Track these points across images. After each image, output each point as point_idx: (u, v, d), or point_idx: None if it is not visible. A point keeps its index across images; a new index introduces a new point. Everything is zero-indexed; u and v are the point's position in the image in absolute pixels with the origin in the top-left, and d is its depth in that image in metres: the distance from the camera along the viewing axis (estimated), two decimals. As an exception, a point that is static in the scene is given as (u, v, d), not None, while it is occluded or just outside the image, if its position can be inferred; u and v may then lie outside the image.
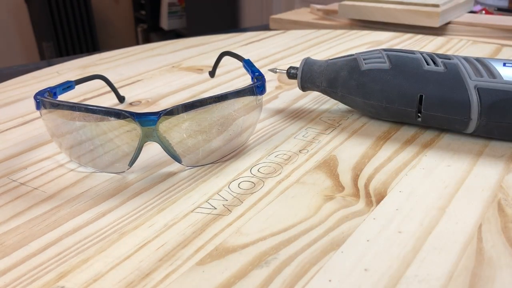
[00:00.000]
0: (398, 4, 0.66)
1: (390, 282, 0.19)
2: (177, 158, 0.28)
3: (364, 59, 0.32)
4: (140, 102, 0.40)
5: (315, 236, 0.22)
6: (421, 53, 0.32)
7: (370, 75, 0.31)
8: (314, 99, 0.39)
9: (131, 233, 0.23)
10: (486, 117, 0.28)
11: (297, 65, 0.49)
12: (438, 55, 0.31)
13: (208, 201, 0.25)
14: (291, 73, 0.35)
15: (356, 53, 0.34)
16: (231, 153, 0.30)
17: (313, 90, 0.35)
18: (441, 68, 0.30)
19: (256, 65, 0.49)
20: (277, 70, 0.36)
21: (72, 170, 0.29)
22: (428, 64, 0.30)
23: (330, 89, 0.34)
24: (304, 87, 0.35)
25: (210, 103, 0.27)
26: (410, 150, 0.30)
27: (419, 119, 0.30)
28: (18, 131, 0.35)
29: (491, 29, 0.60)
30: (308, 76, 0.34)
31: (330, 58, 0.35)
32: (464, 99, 0.28)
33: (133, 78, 0.47)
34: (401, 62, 0.31)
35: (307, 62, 0.35)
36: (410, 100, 0.30)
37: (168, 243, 0.22)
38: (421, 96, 0.30)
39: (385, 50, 0.33)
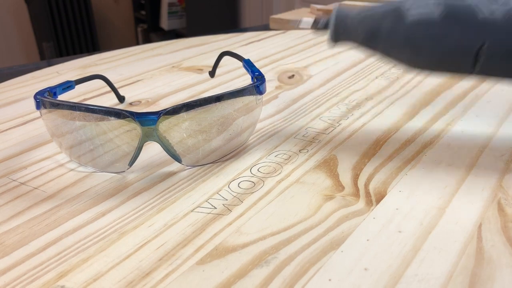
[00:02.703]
0: (398, 4, 0.65)
1: (390, 282, 0.19)
2: (177, 158, 0.28)
3: (410, 8, 0.27)
4: (140, 102, 0.40)
5: (315, 236, 0.22)
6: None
7: (418, 27, 0.27)
8: (314, 99, 0.39)
9: (131, 232, 0.23)
10: None
11: (299, 62, 0.49)
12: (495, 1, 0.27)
13: (208, 201, 0.25)
14: (320, 23, 0.30)
15: (399, 0, 0.28)
16: (231, 153, 0.30)
17: (347, 43, 0.30)
18: (500, 15, 0.26)
19: (256, 65, 0.49)
20: (302, 22, 0.31)
21: (72, 170, 0.29)
22: (485, 13, 0.26)
23: (369, 43, 0.29)
24: (337, 39, 0.29)
25: (210, 103, 0.27)
26: (410, 149, 0.30)
27: (476, 72, 0.27)
28: (18, 131, 0.35)
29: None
30: (342, 26, 0.29)
31: (366, 7, 0.29)
32: None
33: (133, 78, 0.47)
34: (455, 10, 0.27)
35: (340, 10, 0.29)
36: (466, 53, 0.26)
37: (168, 242, 0.22)
38: (479, 48, 0.26)
39: None
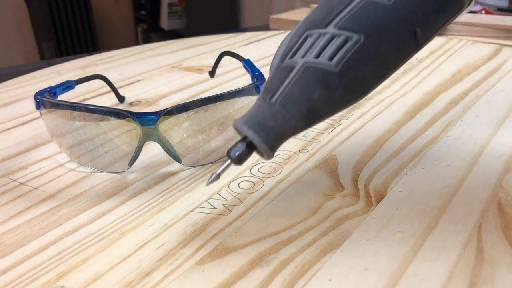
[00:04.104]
0: (398, 4, 0.65)
1: (390, 282, 0.19)
2: (177, 158, 0.28)
3: (317, 57, 0.22)
4: (140, 102, 0.40)
5: (315, 236, 0.22)
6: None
7: (349, 70, 0.22)
8: (314, 99, 0.39)
9: (131, 232, 0.23)
10: None
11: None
12: None
13: (208, 201, 0.25)
14: (241, 152, 0.21)
15: (287, 61, 0.23)
16: (231, 153, 0.30)
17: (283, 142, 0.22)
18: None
19: (256, 65, 0.49)
20: (217, 173, 0.22)
21: (72, 170, 0.29)
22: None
23: (313, 122, 0.22)
24: (274, 148, 0.21)
25: (210, 103, 0.27)
26: (410, 149, 0.29)
27: (420, 47, 0.24)
28: (18, 131, 0.35)
29: (491, 29, 0.60)
30: (270, 134, 0.21)
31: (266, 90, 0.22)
32: None
33: (133, 78, 0.47)
34: (370, 30, 0.23)
35: (252, 124, 0.21)
36: (404, 49, 0.23)
37: (168, 242, 0.22)
38: (414, 34, 0.23)
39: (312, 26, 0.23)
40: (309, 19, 0.24)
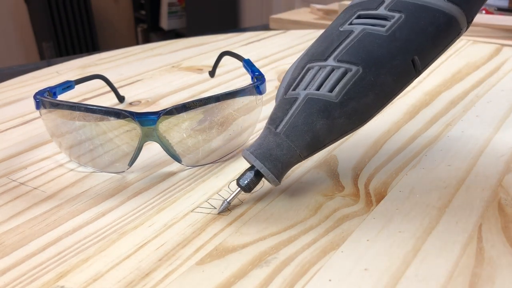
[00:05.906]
0: (398, 4, 0.65)
1: (390, 282, 0.19)
2: (177, 158, 0.28)
3: (318, 89, 0.23)
4: (140, 102, 0.40)
5: (315, 236, 0.22)
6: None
7: (349, 101, 0.23)
8: (314, 99, 0.39)
9: (131, 232, 0.23)
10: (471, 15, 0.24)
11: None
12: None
13: (208, 201, 0.25)
14: (250, 180, 0.23)
15: (292, 92, 0.24)
16: (231, 153, 0.30)
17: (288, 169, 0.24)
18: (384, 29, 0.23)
19: (256, 65, 0.49)
20: (228, 201, 0.24)
21: (72, 170, 0.29)
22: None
23: (316, 150, 0.24)
24: (281, 177, 0.23)
25: (210, 103, 0.27)
26: (410, 149, 0.29)
27: (420, 73, 0.25)
28: (18, 131, 0.35)
29: (491, 29, 0.60)
30: (276, 164, 0.23)
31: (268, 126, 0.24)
32: (448, 21, 0.23)
33: (133, 78, 0.47)
34: (368, 60, 0.23)
35: (258, 153, 0.23)
36: (403, 77, 0.24)
37: (168, 242, 0.22)
38: (413, 62, 0.24)
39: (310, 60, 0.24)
40: (310, 51, 0.25)
